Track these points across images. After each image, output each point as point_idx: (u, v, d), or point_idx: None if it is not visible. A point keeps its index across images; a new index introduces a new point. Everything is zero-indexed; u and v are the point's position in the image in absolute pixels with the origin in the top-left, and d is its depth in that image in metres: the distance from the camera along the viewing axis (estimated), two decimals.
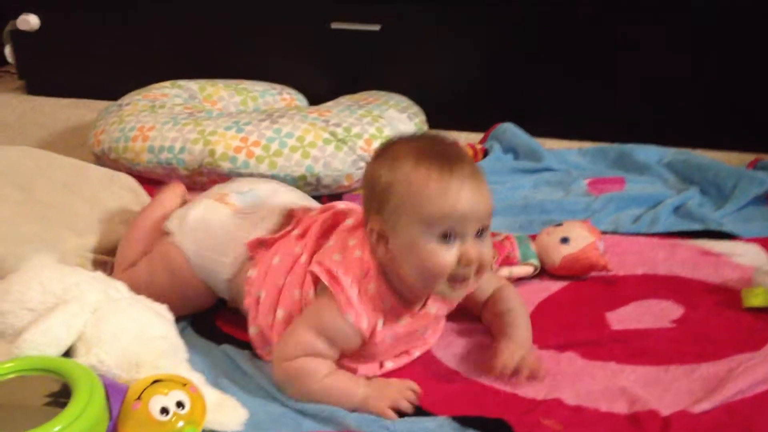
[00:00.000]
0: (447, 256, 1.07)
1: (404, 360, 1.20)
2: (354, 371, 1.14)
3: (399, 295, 1.13)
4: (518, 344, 1.16)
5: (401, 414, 1.07)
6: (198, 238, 1.27)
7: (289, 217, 1.27)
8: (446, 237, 1.06)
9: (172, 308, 1.19)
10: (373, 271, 1.11)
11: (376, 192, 1.11)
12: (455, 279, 1.09)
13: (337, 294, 1.10)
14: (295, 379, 1.10)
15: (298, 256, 1.18)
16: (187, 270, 1.27)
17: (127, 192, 1.58)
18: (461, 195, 1.06)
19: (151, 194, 1.61)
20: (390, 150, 1.13)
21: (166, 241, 1.31)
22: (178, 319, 1.21)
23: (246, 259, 1.23)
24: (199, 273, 1.27)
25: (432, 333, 1.23)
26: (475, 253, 1.07)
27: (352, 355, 1.15)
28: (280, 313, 1.17)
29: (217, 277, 1.26)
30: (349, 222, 1.20)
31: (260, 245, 1.23)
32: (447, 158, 1.08)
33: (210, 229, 1.27)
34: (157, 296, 1.19)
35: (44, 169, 1.52)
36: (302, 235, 1.21)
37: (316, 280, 1.14)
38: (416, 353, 1.21)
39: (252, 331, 1.20)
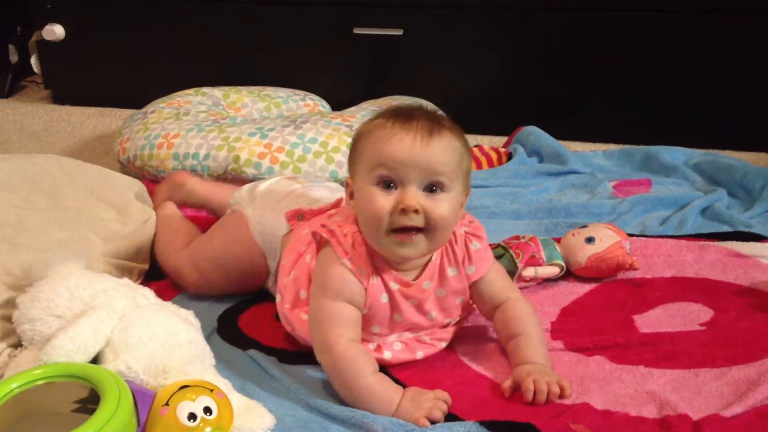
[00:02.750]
0: (383, 200, 1.08)
1: (407, 355, 1.19)
2: None
3: (384, 257, 1.15)
4: (541, 372, 1.13)
5: (432, 423, 1.07)
6: (266, 201, 1.36)
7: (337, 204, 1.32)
8: (388, 184, 1.08)
9: (223, 280, 1.36)
10: (359, 232, 1.15)
11: (350, 152, 1.17)
12: (396, 230, 1.09)
13: (335, 245, 1.14)
14: (344, 371, 1.11)
15: None
16: (246, 234, 1.34)
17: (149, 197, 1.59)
18: (403, 143, 1.07)
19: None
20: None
21: (229, 213, 1.42)
22: (204, 326, 1.22)
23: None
24: (258, 236, 1.34)
25: (438, 336, 1.22)
26: (413, 201, 1.07)
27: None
28: (291, 275, 1.22)
29: (275, 234, 1.31)
30: None
31: (298, 217, 1.29)
32: (407, 114, 1.11)
33: (278, 194, 1.37)
34: (211, 264, 1.36)
35: (70, 176, 1.53)
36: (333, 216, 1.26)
37: (319, 246, 1.18)
38: (420, 354, 1.20)
39: (277, 298, 1.26)
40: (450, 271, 1.18)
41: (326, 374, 1.14)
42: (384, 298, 1.16)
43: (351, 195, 1.16)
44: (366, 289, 1.14)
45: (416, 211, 1.07)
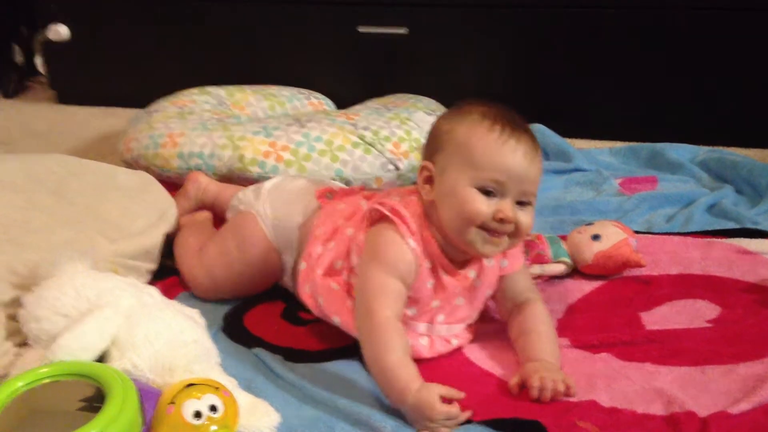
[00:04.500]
0: (484, 204, 1.11)
1: (422, 353, 1.19)
2: None
3: (439, 245, 1.16)
4: (548, 369, 1.13)
5: None
6: (273, 198, 1.38)
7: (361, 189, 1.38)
8: (488, 190, 1.11)
9: (235, 286, 1.37)
10: (421, 218, 1.17)
11: (435, 138, 1.18)
12: (487, 229, 1.12)
13: (399, 224, 1.15)
14: (377, 343, 1.10)
15: (360, 207, 1.25)
16: (258, 233, 1.36)
17: (157, 195, 1.58)
18: (516, 154, 1.11)
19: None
20: (460, 106, 1.20)
21: (236, 213, 1.42)
22: (210, 324, 1.22)
23: (317, 207, 1.33)
24: (270, 232, 1.35)
25: (461, 341, 1.23)
26: (511, 213, 1.11)
27: None
28: (331, 245, 1.24)
29: (290, 227, 1.33)
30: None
31: (329, 195, 1.34)
32: (513, 122, 1.14)
33: (286, 188, 1.40)
34: (224, 271, 1.36)
35: (75, 175, 1.53)
36: (369, 197, 1.28)
37: (372, 221, 1.19)
38: (440, 347, 1.21)
39: (302, 266, 1.27)
40: (487, 262, 1.20)
41: (360, 343, 1.14)
42: (429, 284, 1.17)
43: (428, 180, 1.17)
44: (419, 273, 1.16)
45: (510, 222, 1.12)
